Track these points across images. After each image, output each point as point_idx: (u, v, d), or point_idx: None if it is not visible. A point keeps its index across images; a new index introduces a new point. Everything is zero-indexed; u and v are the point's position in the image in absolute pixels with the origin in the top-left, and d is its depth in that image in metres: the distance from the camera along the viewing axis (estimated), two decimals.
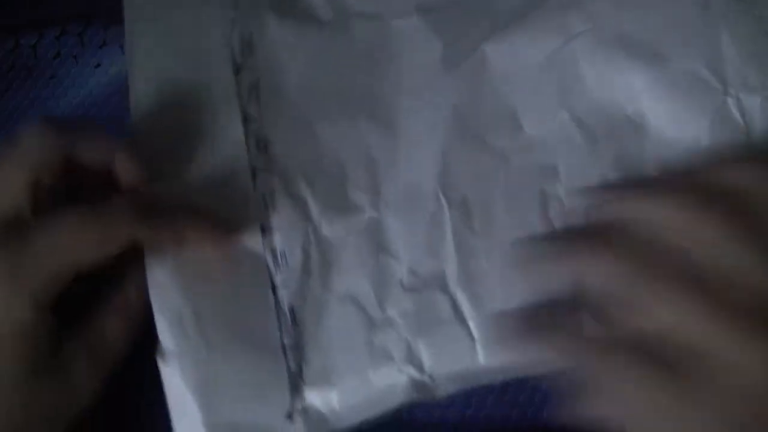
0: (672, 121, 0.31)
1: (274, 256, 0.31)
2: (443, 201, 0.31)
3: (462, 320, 0.30)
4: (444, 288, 0.30)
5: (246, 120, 0.33)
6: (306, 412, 0.29)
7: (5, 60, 0.37)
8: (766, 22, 0.31)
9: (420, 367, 0.29)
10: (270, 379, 0.29)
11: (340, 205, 0.32)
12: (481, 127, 0.32)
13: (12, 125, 0.36)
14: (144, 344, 0.29)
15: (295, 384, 0.30)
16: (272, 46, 0.34)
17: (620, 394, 0.23)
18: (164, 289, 0.30)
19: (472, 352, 0.29)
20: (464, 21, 0.34)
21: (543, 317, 0.25)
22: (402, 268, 0.31)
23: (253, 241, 0.31)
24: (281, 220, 0.32)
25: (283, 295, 0.31)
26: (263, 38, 0.34)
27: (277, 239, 0.32)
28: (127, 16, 0.34)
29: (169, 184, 0.31)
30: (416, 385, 0.29)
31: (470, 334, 0.30)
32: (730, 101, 0.30)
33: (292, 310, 0.31)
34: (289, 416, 0.29)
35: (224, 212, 0.31)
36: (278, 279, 0.31)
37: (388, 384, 0.29)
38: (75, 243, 0.26)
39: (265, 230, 0.32)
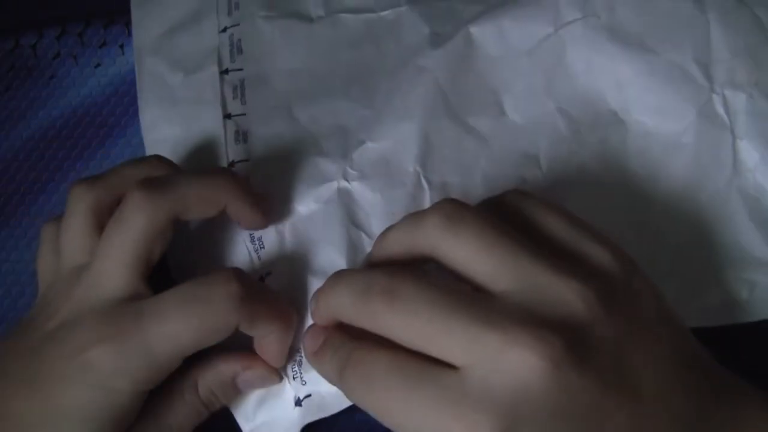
0: (656, 114, 0.31)
1: (252, 242, 0.31)
2: (424, 183, 0.31)
3: None
4: None
5: (229, 117, 0.33)
6: (309, 396, 0.29)
7: (5, 60, 0.37)
8: (758, 13, 0.31)
9: None
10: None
11: (310, 178, 0.32)
12: (464, 108, 0.32)
13: (12, 125, 0.36)
14: None
15: (294, 371, 0.29)
16: (261, 48, 0.34)
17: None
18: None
19: None
20: (453, 7, 0.34)
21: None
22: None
23: (229, 228, 0.31)
24: None
25: (270, 282, 0.31)
26: (252, 41, 0.34)
27: None
28: (135, 41, 0.35)
29: None
30: None
31: None
32: (716, 98, 0.30)
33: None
34: (298, 403, 0.29)
35: None
36: (260, 266, 0.31)
37: None
38: (183, 336, 0.25)
39: None
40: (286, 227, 0.31)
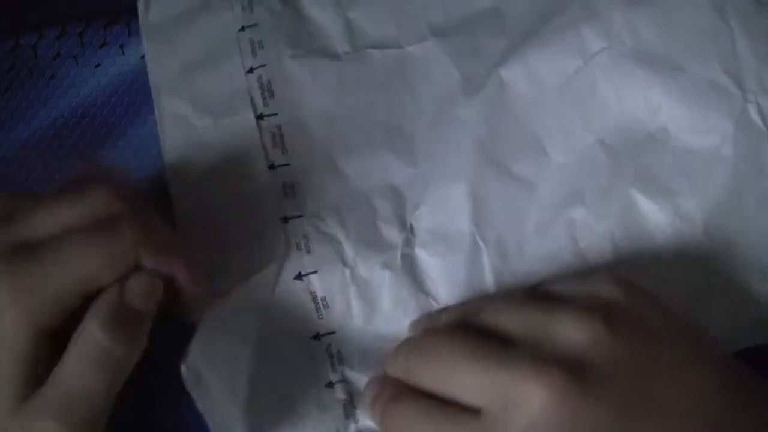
0: (693, 131, 0.31)
1: (315, 301, 0.31)
2: (480, 243, 0.31)
3: None
4: None
5: (272, 167, 0.33)
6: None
7: (5, 60, 0.37)
8: None
9: None
10: (321, 408, 0.30)
11: (372, 242, 0.32)
12: (506, 156, 0.32)
13: (12, 125, 0.36)
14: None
15: (348, 410, 0.30)
16: (292, 89, 0.34)
17: None
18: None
19: None
20: (478, 43, 0.33)
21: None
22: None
23: (291, 287, 0.31)
24: (318, 263, 0.32)
25: (327, 340, 0.31)
26: (282, 82, 0.34)
27: (317, 284, 0.32)
28: (151, 77, 0.35)
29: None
30: None
31: None
32: (750, 107, 0.30)
33: (339, 354, 0.31)
34: None
35: (258, 264, 0.31)
36: (321, 324, 0.31)
37: None
38: (82, 264, 0.25)
39: (302, 276, 0.32)
40: (351, 290, 0.31)
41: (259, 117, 0.33)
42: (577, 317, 0.25)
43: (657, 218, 0.30)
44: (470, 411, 0.25)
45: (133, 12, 0.36)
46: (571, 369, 0.23)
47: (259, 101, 0.34)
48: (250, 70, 0.34)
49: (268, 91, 0.34)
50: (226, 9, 0.35)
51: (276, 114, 0.33)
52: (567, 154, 0.32)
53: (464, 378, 0.25)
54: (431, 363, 0.26)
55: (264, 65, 0.34)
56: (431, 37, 0.33)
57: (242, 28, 0.35)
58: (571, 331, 0.25)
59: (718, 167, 0.30)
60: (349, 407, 0.30)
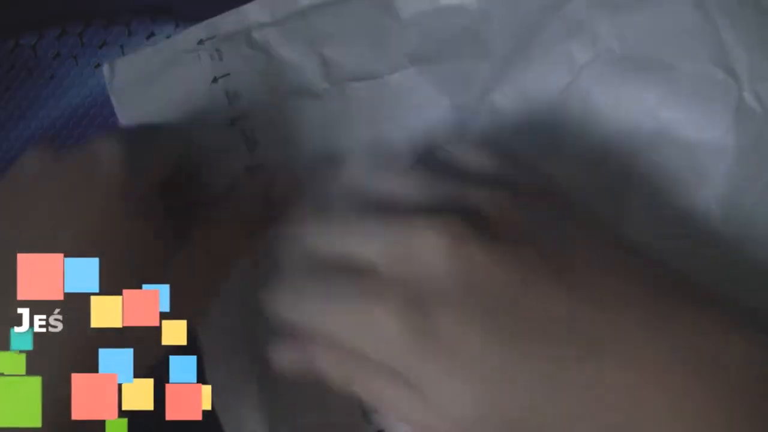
0: (694, 127, 0.30)
1: None
2: None
3: None
4: None
5: None
6: None
7: (5, 60, 0.37)
8: (764, 4, 0.30)
9: None
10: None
11: None
12: None
13: (12, 125, 0.36)
14: None
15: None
16: (276, 137, 0.33)
17: None
18: None
19: None
20: (462, 68, 0.32)
21: None
22: None
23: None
24: None
25: None
26: (265, 130, 0.33)
27: None
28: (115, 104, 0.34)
29: None
30: None
31: None
32: (747, 95, 0.30)
33: None
34: None
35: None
36: None
37: None
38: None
39: None
40: None
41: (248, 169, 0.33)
42: (484, 188, 0.25)
43: (669, 216, 0.30)
44: (366, 269, 0.24)
45: (134, 12, 0.36)
46: (471, 220, 0.23)
47: (244, 151, 0.33)
48: (231, 123, 0.33)
49: (251, 140, 0.33)
50: (194, 61, 0.33)
51: (261, 164, 0.33)
52: (564, 171, 0.31)
53: (358, 235, 0.25)
54: (326, 224, 0.26)
55: (245, 117, 0.33)
56: (411, 65, 0.32)
57: (215, 80, 0.33)
58: (474, 196, 0.25)
59: (721, 157, 0.30)
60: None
